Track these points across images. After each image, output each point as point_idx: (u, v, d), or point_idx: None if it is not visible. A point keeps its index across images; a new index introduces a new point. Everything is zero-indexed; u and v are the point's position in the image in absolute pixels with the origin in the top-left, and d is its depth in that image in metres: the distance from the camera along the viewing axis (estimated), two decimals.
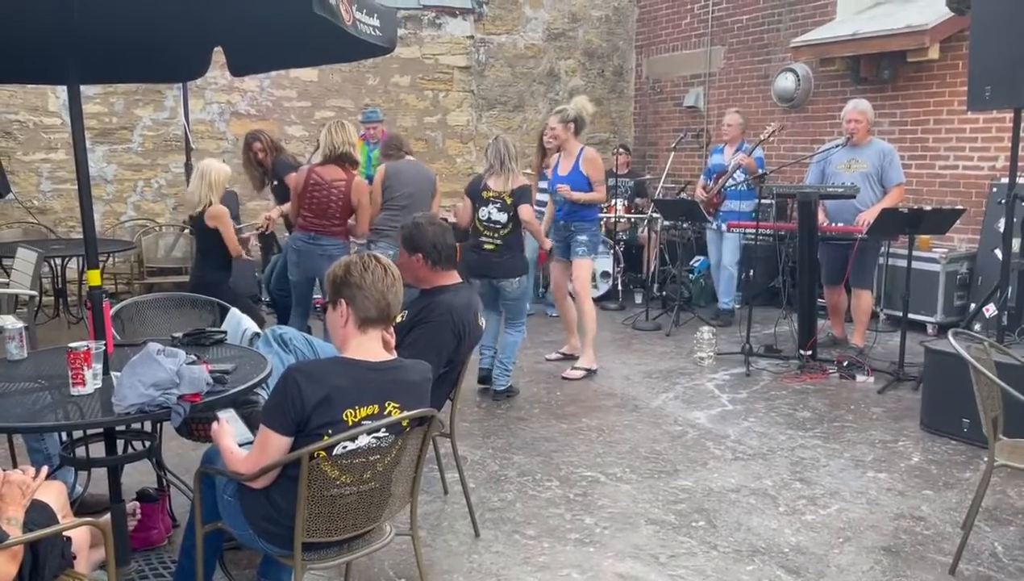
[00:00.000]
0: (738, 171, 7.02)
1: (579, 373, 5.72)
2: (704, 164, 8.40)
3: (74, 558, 2.28)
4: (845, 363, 5.72)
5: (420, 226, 3.56)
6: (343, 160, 5.20)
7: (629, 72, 10.50)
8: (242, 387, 2.77)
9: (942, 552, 3.27)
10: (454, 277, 3.61)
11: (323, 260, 5.03)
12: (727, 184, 7.09)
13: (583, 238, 5.69)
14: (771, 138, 7.11)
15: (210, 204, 4.87)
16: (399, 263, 3.52)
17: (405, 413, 2.37)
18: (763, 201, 6.31)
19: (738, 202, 7.13)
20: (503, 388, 5.22)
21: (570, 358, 6.09)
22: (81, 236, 3.54)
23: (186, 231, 7.73)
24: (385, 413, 2.36)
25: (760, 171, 7.11)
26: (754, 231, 6.30)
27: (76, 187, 3.14)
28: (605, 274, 8.14)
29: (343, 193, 5.18)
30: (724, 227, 7.14)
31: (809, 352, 5.79)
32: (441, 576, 3.11)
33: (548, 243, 5.69)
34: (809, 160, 6.63)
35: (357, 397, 2.32)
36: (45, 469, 2.22)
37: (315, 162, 5.45)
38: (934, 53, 6.84)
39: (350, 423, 2.30)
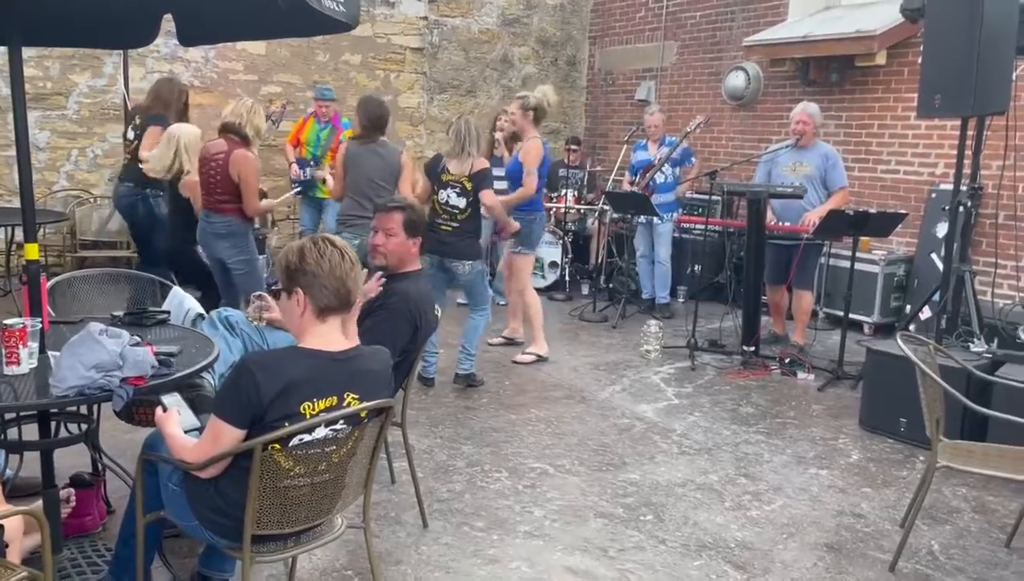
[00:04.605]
0: (666, 165, 7.15)
1: (530, 358, 5.77)
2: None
3: (6, 547, 2.15)
4: (787, 360, 5.83)
5: (418, 211, 3.61)
6: (228, 130, 4.87)
7: (582, 62, 10.48)
8: (188, 371, 2.66)
9: (882, 549, 3.35)
10: (416, 264, 3.57)
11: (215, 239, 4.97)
12: (656, 178, 7.20)
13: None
14: (696, 129, 7.24)
15: (186, 172, 4.80)
16: (390, 247, 3.45)
17: (364, 404, 2.30)
18: (712, 197, 6.39)
19: (668, 195, 7.34)
20: (465, 373, 5.18)
21: (512, 342, 6.11)
22: (7, 206, 3.34)
23: None
24: (344, 404, 2.28)
25: (690, 165, 7.39)
26: (689, 226, 6.38)
27: (6, 154, 2.96)
28: (553, 264, 8.14)
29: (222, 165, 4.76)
30: (656, 221, 7.24)
31: (752, 348, 5.89)
32: (389, 568, 3.05)
33: (515, 225, 5.49)
34: (757, 159, 6.71)
35: (316, 390, 2.23)
36: None
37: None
38: (881, 59, 6.99)
39: (308, 416, 2.21)
